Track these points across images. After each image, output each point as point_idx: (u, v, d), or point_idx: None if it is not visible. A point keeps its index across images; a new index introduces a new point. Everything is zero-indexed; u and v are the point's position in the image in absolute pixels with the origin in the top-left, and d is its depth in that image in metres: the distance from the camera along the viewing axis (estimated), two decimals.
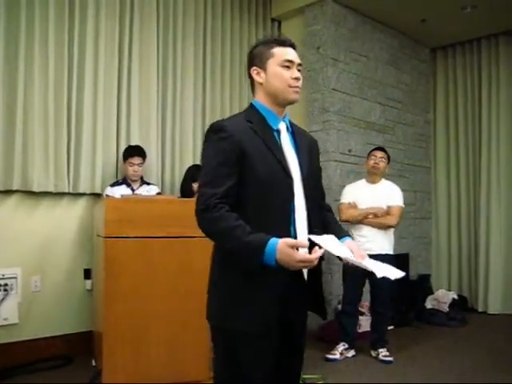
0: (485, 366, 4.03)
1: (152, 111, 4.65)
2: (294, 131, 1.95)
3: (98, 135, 4.30)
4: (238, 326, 1.73)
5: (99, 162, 4.30)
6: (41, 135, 4.00)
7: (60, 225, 4.17)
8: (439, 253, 6.80)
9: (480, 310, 6.15)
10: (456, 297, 5.89)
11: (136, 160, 4.19)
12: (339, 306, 4.65)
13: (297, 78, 1.82)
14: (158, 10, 4.74)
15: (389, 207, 4.24)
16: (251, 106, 1.90)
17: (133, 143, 4.41)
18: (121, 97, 4.49)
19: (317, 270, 1.86)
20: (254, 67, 1.86)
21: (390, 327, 4.89)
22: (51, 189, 4.04)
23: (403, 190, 6.11)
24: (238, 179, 1.72)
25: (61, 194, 4.16)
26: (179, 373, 3.24)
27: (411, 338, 4.89)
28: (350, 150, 5.24)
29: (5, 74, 3.83)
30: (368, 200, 4.26)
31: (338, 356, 4.19)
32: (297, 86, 1.84)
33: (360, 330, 4.80)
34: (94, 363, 3.80)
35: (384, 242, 4.19)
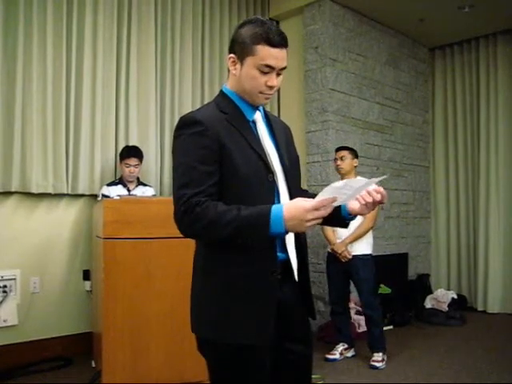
0: (484, 365, 4.03)
1: (150, 112, 4.65)
2: (269, 119, 1.78)
3: (96, 136, 4.30)
4: (233, 338, 1.57)
5: (98, 163, 4.30)
6: (39, 136, 4.00)
7: (59, 226, 4.17)
8: (438, 252, 6.80)
9: (479, 309, 6.16)
10: (455, 296, 5.90)
11: (132, 161, 4.16)
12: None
13: (271, 87, 1.64)
14: (155, 9, 4.74)
15: None
16: (222, 93, 1.73)
17: (131, 144, 4.41)
18: (119, 97, 4.49)
19: (305, 269, 1.75)
20: (233, 54, 1.67)
21: (389, 327, 4.90)
22: (50, 190, 4.04)
23: (402, 190, 6.18)
24: (219, 177, 1.57)
25: (60, 195, 4.16)
26: (179, 373, 3.24)
27: (411, 338, 4.90)
28: None
29: (3, 74, 3.83)
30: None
31: (337, 356, 4.20)
32: (269, 94, 1.66)
33: (359, 330, 4.80)
34: (93, 364, 3.81)
35: (362, 244, 4.20)
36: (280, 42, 1.65)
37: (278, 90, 5.87)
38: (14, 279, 3.91)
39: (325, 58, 5.29)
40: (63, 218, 4.19)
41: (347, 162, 4.27)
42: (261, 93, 1.65)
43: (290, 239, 1.66)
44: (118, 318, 3.15)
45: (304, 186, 5.38)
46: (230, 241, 1.52)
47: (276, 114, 5.85)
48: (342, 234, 4.21)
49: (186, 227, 1.55)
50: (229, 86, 1.73)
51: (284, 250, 1.65)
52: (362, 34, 5.74)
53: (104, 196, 3.98)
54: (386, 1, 5.41)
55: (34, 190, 3.95)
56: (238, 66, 1.66)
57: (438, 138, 6.91)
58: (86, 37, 4.26)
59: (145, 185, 4.32)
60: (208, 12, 5.18)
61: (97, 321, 3.65)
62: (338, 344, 4.28)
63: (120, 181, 4.22)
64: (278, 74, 1.67)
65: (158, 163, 4.70)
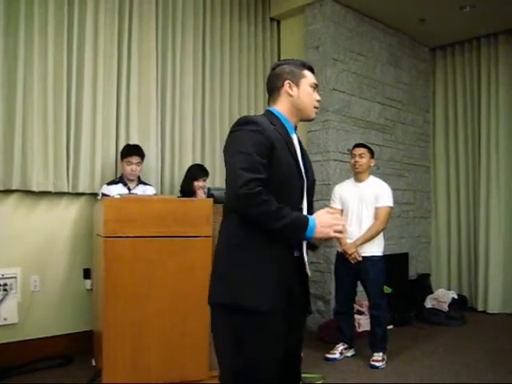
0: (484, 365, 4.03)
1: (151, 111, 4.65)
2: (301, 144, 2.11)
3: (97, 135, 4.30)
4: (252, 303, 1.81)
5: (98, 161, 4.31)
6: (40, 135, 4.00)
7: (59, 224, 4.17)
8: (439, 252, 6.80)
9: (479, 309, 6.15)
10: (455, 296, 5.90)
11: (134, 159, 4.15)
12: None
13: (319, 101, 2.11)
14: (157, 8, 4.74)
15: (376, 209, 4.21)
16: (270, 112, 2.07)
17: (132, 143, 4.41)
18: (120, 96, 4.49)
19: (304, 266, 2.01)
20: (288, 81, 2.06)
21: (390, 327, 4.89)
22: (51, 188, 4.04)
23: (402, 190, 6.18)
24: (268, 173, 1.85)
25: (60, 194, 4.16)
26: (179, 372, 3.24)
27: (411, 338, 4.89)
28: (349, 150, 5.22)
29: (4, 73, 3.83)
30: (355, 200, 4.24)
31: (337, 356, 4.19)
32: (318, 107, 2.12)
33: (359, 330, 4.81)
34: (93, 363, 3.81)
35: (373, 245, 4.17)
36: (314, 69, 2.17)
37: None
38: (15, 277, 3.91)
39: (326, 57, 5.29)
40: (64, 217, 4.19)
41: (365, 160, 4.25)
42: (314, 107, 2.10)
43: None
44: (118, 316, 3.15)
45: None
46: (275, 232, 1.82)
47: None
48: (352, 234, 4.20)
49: (248, 206, 1.80)
50: (275, 107, 2.08)
51: (300, 248, 1.97)
52: (362, 33, 5.74)
53: (104, 195, 3.98)
54: (387, 0, 5.41)
55: (35, 189, 3.95)
56: (294, 88, 2.06)
57: (438, 137, 6.91)
58: (87, 36, 4.26)
59: (145, 184, 4.32)
60: (209, 12, 5.18)
61: (97, 319, 3.65)
62: (338, 343, 4.28)
63: (120, 179, 4.21)
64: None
65: (158, 162, 4.70)
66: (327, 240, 1.94)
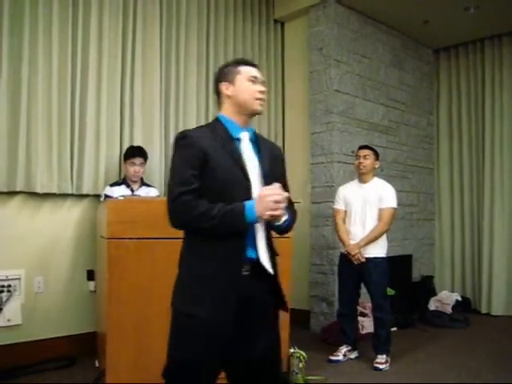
0: (488, 367, 4.01)
1: (155, 113, 4.66)
2: (258, 141, 2.11)
3: (101, 137, 4.31)
4: (196, 311, 1.89)
5: (102, 163, 4.31)
6: (44, 136, 4.01)
7: (63, 226, 4.17)
8: (442, 254, 6.79)
9: (483, 311, 6.14)
10: (459, 298, 5.89)
11: (137, 160, 4.16)
12: None
13: (261, 92, 2.05)
14: (161, 10, 4.75)
15: (380, 210, 4.20)
16: (217, 119, 2.10)
17: (136, 144, 4.41)
18: (124, 98, 4.50)
19: (274, 267, 2.03)
20: (224, 82, 2.08)
21: (393, 329, 4.88)
22: (55, 190, 4.05)
23: (406, 191, 6.17)
24: (202, 181, 1.89)
25: (64, 195, 4.17)
26: None
27: (414, 340, 4.88)
28: (353, 151, 5.22)
29: (9, 74, 3.84)
30: (359, 202, 4.24)
31: (340, 357, 4.19)
32: (261, 99, 2.05)
33: (363, 332, 4.79)
34: (97, 364, 3.81)
35: (376, 246, 4.16)
36: (254, 63, 2.14)
37: (282, 91, 5.89)
38: (19, 279, 3.92)
39: (329, 59, 5.29)
40: (67, 218, 4.20)
41: (370, 161, 4.25)
42: (256, 98, 2.04)
43: (260, 240, 1.96)
44: (121, 317, 3.15)
45: (308, 187, 5.39)
46: (214, 230, 1.87)
47: (280, 115, 5.87)
48: (356, 235, 4.20)
49: (178, 218, 1.91)
50: (222, 112, 2.10)
51: (255, 250, 1.95)
52: (366, 35, 5.74)
53: (106, 196, 3.98)
54: (391, 2, 5.41)
55: (39, 190, 3.96)
56: (230, 88, 2.06)
57: (442, 139, 6.90)
58: (92, 37, 4.27)
59: (148, 185, 4.30)
60: (213, 14, 5.19)
61: (100, 321, 3.66)
62: (341, 345, 4.27)
63: (123, 181, 4.20)
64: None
65: (162, 164, 4.71)
66: (275, 216, 1.87)
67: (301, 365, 3.64)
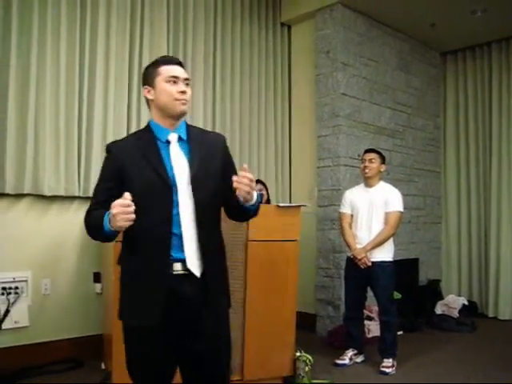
0: (494, 371, 4.00)
1: None
2: (190, 139, 2.06)
3: (108, 139, 4.31)
4: (128, 321, 1.99)
5: None
6: (52, 139, 4.03)
7: (70, 228, 4.19)
8: (449, 258, 6.77)
9: (490, 315, 6.11)
10: (466, 302, 5.87)
11: None
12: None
13: (182, 92, 1.98)
14: (168, 13, 4.76)
15: (386, 214, 4.19)
16: (147, 124, 2.09)
17: None
18: (131, 101, 4.51)
19: (213, 264, 2.01)
20: (145, 86, 2.03)
21: (400, 332, 4.87)
22: (62, 192, 4.07)
23: (413, 195, 6.16)
24: (118, 191, 1.82)
25: (71, 198, 4.18)
26: None
27: (420, 344, 4.87)
28: (359, 155, 5.22)
29: (17, 76, 3.86)
30: (365, 206, 4.23)
31: (347, 361, 4.18)
32: (183, 99, 1.98)
33: (369, 335, 4.79)
34: (103, 366, 3.82)
35: (383, 250, 4.16)
36: (176, 61, 2.06)
37: (289, 95, 5.89)
38: (26, 281, 3.94)
39: (336, 62, 5.30)
40: (74, 220, 4.21)
41: (375, 165, 4.24)
42: (176, 100, 1.98)
43: (189, 242, 1.94)
44: None
45: (314, 190, 5.39)
46: (94, 238, 2.03)
47: (287, 118, 5.86)
48: (362, 239, 4.19)
49: (86, 230, 2.02)
50: (152, 118, 2.07)
51: (181, 251, 1.93)
52: (373, 38, 5.74)
53: None
54: (398, 5, 5.41)
55: (46, 193, 3.97)
56: (152, 91, 2.01)
57: (449, 143, 6.88)
58: (99, 40, 4.28)
59: None
60: (220, 17, 5.20)
61: (107, 323, 3.67)
62: (347, 349, 4.26)
63: None
64: (186, 85, 2.03)
65: None
66: (120, 225, 1.75)
67: (307, 368, 3.64)
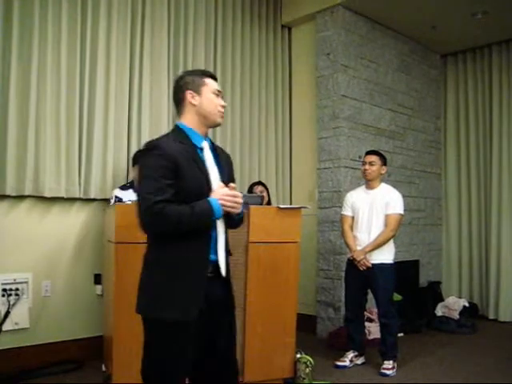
0: (495, 373, 4.00)
1: (163, 117, 4.68)
2: (215, 149, 2.25)
3: (109, 141, 4.32)
4: (175, 316, 2.01)
5: (110, 167, 4.33)
6: (53, 141, 4.03)
7: (71, 230, 4.19)
8: (449, 259, 6.76)
9: (491, 317, 6.11)
10: (466, 304, 5.86)
11: None
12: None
13: (223, 106, 2.21)
14: (169, 14, 4.77)
15: (386, 216, 4.19)
16: (177, 128, 2.19)
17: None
18: (132, 102, 4.52)
19: (228, 266, 2.19)
20: (190, 91, 2.16)
21: (400, 334, 4.87)
22: (62, 194, 4.07)
23: (413, 197, 6.16)
24: (175, 188, 2.00)
25: (72, 199, 4.18)
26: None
27: (421, 346, 4.87)
28: (360, 157, 5.23)
29: (18, 78, 3.86)
30: (366, 208, 4.23)
31: (347, 363, 4.17)
32: (223, 112, 2.21)
33: (370, 337, 4.78)
34: (103, 368, 3.81)
35: (383, 252, 4.16)
36: (216, 77, 2.27)
37: (290, 97, 5.89)
38: (26, 282, 3.93)
39: (337, 64, 5.30)
40: (75, 222, 4.22)
41: (376, 167, 4.23)
42: (219, 111, 2.19)
43: (220, 245, 2.13)
44: (128, 321, 3.15)
45: (315, 192, 5.39)
46: (190, 231, 2.01)
47: (287, 120, 5.87)
48: (362, 241, 4.19)
49: (154, 225, 2.00)
50: (182, 120, 2.19)
51: (215, 253, 2.11)
52: (374, 40, 5.74)
53: (117, 198, 3.98)
54: (399, 7, 5.41)
55: (47, 194, 3.97)
56: (196, 97, 2.16)
57: (449, 144, 6.88)
58: (100, 41, 4.29)
59: None
60: (220, 18, 5.21)
61: (107, 325, 3.67)
62: (348, 351, 4.26)
63: (131, 184, 4.19)
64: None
65: None
66: (231, 208, 2.06)
67: (307, 370, 3.64)
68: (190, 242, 2.04)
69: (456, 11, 5.44)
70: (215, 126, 2.25)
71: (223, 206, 2.03)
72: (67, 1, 4.11)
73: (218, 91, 2.20)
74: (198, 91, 2.15)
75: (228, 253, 2.21)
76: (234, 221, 2.24)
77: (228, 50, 5.27)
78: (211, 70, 5.08)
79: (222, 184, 2.10)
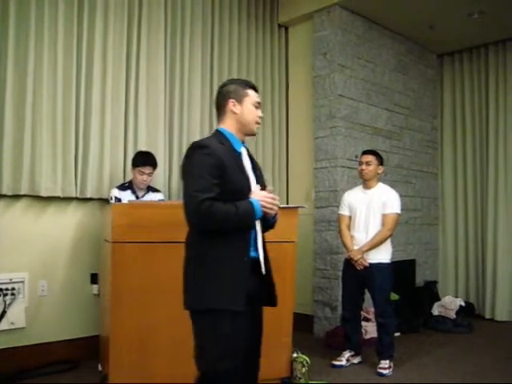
0: (492, 372, 4.01)
1: (159, 117, 4.67)
2: (250, 155, 2.39)
3: (105, 140, 4.32)
4: (225, 305, 2.12)
5: (107, 167, 4.32)
6: (49, 140, 4.02)
7: (67, 229, 4.18)
8: (446, 259, 6.77)
9: (487, 316, 6.12)
10: (463, 303, 5.87)
11: (147, 169, 4.06)
12: None
13: (261, 117, 2.38)
14: (165, 14, 4.76)
15: (383, 215, 4.19)
16: (219, 132, 2.33)
17: (140, 149, 4.41)
18: (128, 102, 4.50)
19: (268, 266, 2.36)
20: (232, 100, 2.31)
21: (397, 334, 4.88)
22: (59, 193, 4.06)
23: (410, 196, 6.17)
24: (220, 188, 2.13)
25: (68, 199, 4.17)
26: (186, 378, 3.23)
27: (418, 345, 4.87)
28: (356, 156, 5.23)
29: (14, 78, 3.85)
30: (363, 207, 4.23)
31: (344, 362, 4.18)
32: (259, 122, 2.38)
33: (366, 337, 4.78)
34: (100, 368, 3.81)
35: (380, 251, 4.16)
36: (257, 88, 2.41)
37: (286, 96, 5.90)
38: (22, 282, 3.93)
39: (333, 64, 5.30)
40: (71, 222, 4.21)
41: (372, 167, 4.23)
42: (256, 122, 2.35)
43: (259, 243, 2.29)
44: (125, 321, 3.16)
45: (312, 192, 5.39)
46: (235, 228, 2.16)
47: (284, 120, 5.88)
48: (359, 241, 4.20)
49: (200, 223, 2.12)
50: (223, 125, 2.34)
51: (256, 250, 2.27)
52: (370, 40, 5.75)
53: (116, 199, 3.97)
54: (396, 7, 5.41)
55: (43, 194, 3.96)
56: (238, 106, 2.31)
57: (446, 144, 6.89)
58: (97, 42, 4.28)
59: (154, 190, 4.26)
60: (217, 18, 5.20)
61: (104, 324, 3.66)
62: (344, 350, 4.26)
63: (129, 185, 4.17)
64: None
65: (166, 168, 4.71)
66: (269, 210, 2.22)
67: (304, 369, 3.64)
68: (233, 240, 2.17)
69: (453, 11, 5.44)
70: (252, 135, 2.39)
71: (263, 207, 2.18)
72: (64, 2, 4.10)
73: (258, 103, 2.35)
74: (239, 101, 2.31)
75: (266, 251, 2.35)
76: (269, 222, 2.36)
77: (225, 50, 5.27)
78: (208, 70, 5.11)
79: (259, 187, 2.27)
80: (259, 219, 2.24)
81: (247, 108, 2.32)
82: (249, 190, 2.23)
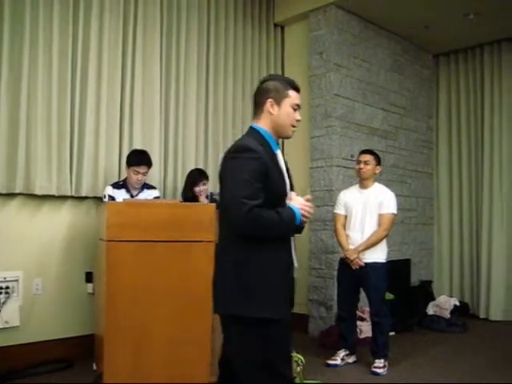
0: (486, 372, 4.01)
1: (155, 116, 4.66)
2: (283, 157, 2.31)
3: (100, 139, 4.31)
4: (266, 314, 2.06)
5: (102, 165, 4.31)
6: (44, 138, 4.01)
7: (62, 228, 4.17)
8: (441, 259, 6.79)
9: (481, 316, 6.14)
10: (457, 303, 5.88)
11: (142, 169, 4.02)
12: None
13: (298, 121, 2.24)
14: (161, 13, 4.76)
15: (379, 215, 4.19)
16: (255, 130, 2.21)
17: (135, 147, 4.39)
18: (124, 101, 4.50)
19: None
20: (271, 99, 2.17)
21: (392, 333, 4.88)
22: (54, 192, 4.05)
23: (405, 196, 6.17)
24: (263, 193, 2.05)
25: (63, 198, 4.16)
26: (180, 376, 3.24)
27: (412, 344, 4.88)
28: (352, 156, 5.24)
29: (9, 77, 3.84)
30: (359, 207, 4.24)
31: (338, 362, 4.18)
32: (295, 126, 2.25)
33: (361, 336, 4.79)
34: (94, 367, 3.80)
35: (375, 251, 4.16)
36: (299, 89, 2.26)
37: None
38: (17, 280, 3.91)
39: (329, 63, 5.30)
40: (66, 220, 4.20)
41: (370, 167, 4.23)
42: (292, 126, 2.23)
43: (292, 247, 2.24)
44: (119, 320, 3.15)
45: (307, 190, 5.38)
46: (280, 236, 2.15)
47: None
48: (355, 240, 4.20)
49: (248, 229, 2.04)
50: (258, 123, 2.22)
51: (291, 256, 2.24)
52: (366, 39, 5.75)
53: (110, 197, 3.95)
54: (392, 7, 5.42)
55: (38, 192, 3.95)
56: (275, 107, 2.18)
57: (441, 144, 6.91)
58: (92, 41, 4.27)
59: (149, 187, 4.23)
60: (213, 18, 5.19)
61: (99, 323, 3.65)
62: (339, 350, 4.26)
63: (124, 183, 4.14)
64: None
65: (161, 166, 4.70)
66: (305, 218, 2.18)
67: (299, 369, 3.63)
68: (277, 245, 2.13)
69: (448, 12, 5.46)
70: (286, 138, 2.31)
71: (302, 215, 2.14)
72: (59, 2, 4.09)
73: (298, 105, 2.22)
74: (278, 102, 2.18)
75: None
76: (297, 227, 2.26)
77: (221, 49, 5.26)
78: (203, 68, 5.11)
79: (295, 193, 2.22)
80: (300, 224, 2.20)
81: (285, 110, 2.19)
82: (286, 193, 2.19)
